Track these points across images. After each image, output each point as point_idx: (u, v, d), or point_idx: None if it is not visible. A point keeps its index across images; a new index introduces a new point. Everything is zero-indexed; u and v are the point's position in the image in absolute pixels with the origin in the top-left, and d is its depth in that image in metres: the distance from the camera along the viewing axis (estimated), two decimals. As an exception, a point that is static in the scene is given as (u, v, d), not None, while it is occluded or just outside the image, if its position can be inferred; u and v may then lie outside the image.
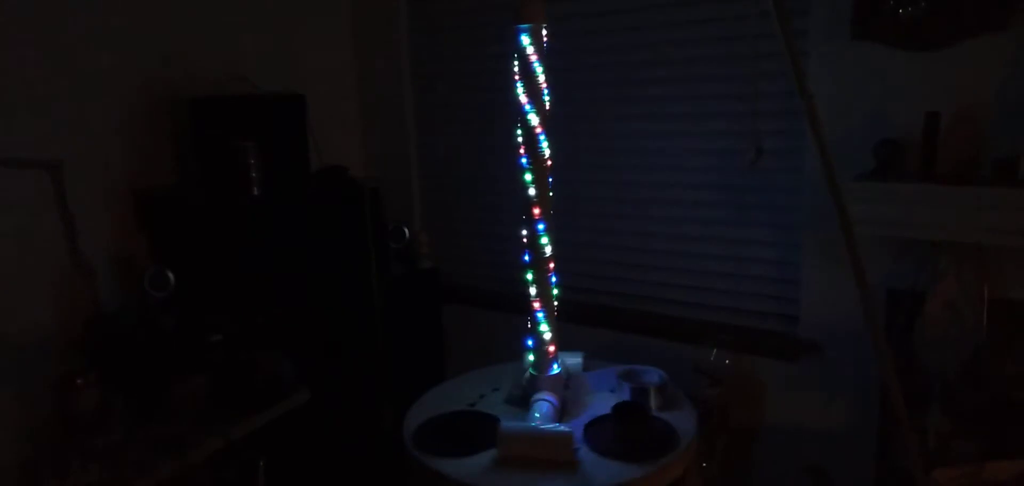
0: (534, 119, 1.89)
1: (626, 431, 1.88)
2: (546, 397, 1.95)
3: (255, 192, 2.28)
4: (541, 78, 1.88)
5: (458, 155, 3.11)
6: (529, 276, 1.99)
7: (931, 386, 1.99)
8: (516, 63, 1.88)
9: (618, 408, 1.94)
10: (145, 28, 2.36)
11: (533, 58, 1.86)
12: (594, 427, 1.94)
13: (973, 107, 1.98)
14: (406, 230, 2.91)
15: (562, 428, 1.84)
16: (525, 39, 1.84)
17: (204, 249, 2.27)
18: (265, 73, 2.64)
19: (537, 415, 1.89)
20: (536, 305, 1.99)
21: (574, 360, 2.18)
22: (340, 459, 2.53)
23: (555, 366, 2.04)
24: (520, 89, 1.88)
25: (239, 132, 2.27)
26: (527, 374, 2.06)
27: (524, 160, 1.92)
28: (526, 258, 1.98)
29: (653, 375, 2.11)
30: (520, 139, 1.91)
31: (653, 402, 2.02)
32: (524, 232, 1.97)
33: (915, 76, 2.05)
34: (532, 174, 1.92)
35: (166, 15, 2.42)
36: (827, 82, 2.14)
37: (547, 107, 1.93)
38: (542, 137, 1.91)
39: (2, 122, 2.03)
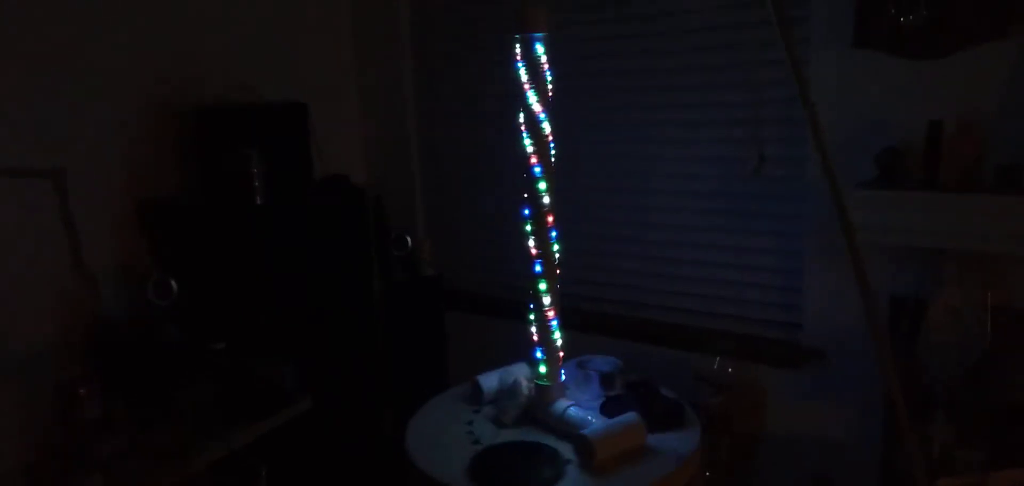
0: (547, 127, 1.88)
1: (655, 407, 1.97)
2: (569, 403, 1.96)
3: (258, 201, 2.28)
4: (550, 87, 1.88)
5: (460, 162, 3.11)
6: (542, 286, 1.96)
7: (935, 394, 1.99)
8: (523, 72, 1.87)
9: (636, 388, 2.01)
10: (148, 37, 2.36)
11: (545, 67, 1.86)
12: (608, 411, 1.98)
13: (975, 115, 1.98)
14: (409, 238, 2.91)
15: (631, 416, 1.86)
16: (540, 48, 1.84)
17: (207, 257, 2.28)
18: (268, 82, 2.65)
19: (590, 418, 1.89)
20: (550, 314, 1.97)
21: (522, 369, 2.14)
22: (342, 466, 2.53)
23: (562, 373, 2.03)
24: (532, 98, 1.87)
25: (242, 141, 2.28)
26: (528, 387, 2.04)
27: (537, 169, 1.90)
28: (538, 268, 1.96)
29: (605, 363, 2.19)
30: (530, 148, 1.90)
31: (617, 384, 2.13)
32: (532, 242, 1.95)
33: (917, 84, 2.05)
34: (545, 183, 1.91)
35: (169, 24, 2.43)
36: (829, 90, 2.15)
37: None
38: (552, 144, 1.90)
39: (5, 130, 2.03)
